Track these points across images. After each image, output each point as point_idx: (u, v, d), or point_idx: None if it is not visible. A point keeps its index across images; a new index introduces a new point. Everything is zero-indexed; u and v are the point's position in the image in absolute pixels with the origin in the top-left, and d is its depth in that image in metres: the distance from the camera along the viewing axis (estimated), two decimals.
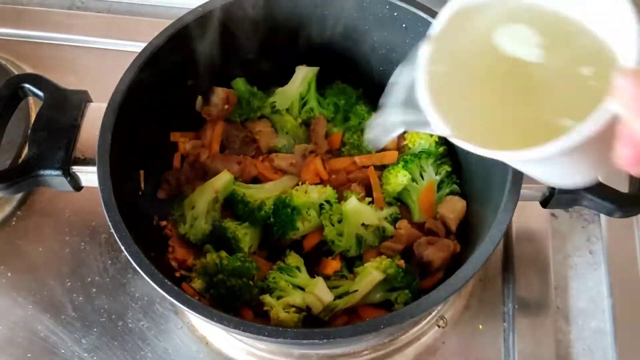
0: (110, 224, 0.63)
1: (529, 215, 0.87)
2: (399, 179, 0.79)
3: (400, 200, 0.82)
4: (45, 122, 0.73)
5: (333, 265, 0.77)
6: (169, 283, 0.61)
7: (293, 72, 0.86)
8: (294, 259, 0.76)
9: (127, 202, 0.66)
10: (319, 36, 0.82)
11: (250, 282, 0.73)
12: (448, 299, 0.66)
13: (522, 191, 0.64)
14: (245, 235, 0.76)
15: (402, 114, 0.53)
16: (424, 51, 0.48)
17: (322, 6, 0.79)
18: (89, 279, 0.85)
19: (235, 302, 0.72)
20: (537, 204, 0.73)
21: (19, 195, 0.90)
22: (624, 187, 0.70)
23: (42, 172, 0.70)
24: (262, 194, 0.79)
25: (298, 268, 0.75)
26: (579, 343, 0.82)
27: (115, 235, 0.62)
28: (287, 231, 0.76)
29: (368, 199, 0.79)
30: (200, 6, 0.75)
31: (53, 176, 0.71)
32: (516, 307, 0.82)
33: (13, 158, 0.87)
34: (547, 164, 0.41)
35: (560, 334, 0.82)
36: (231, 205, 0.79)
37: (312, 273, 0.76)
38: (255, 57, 0.82)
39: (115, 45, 1.03)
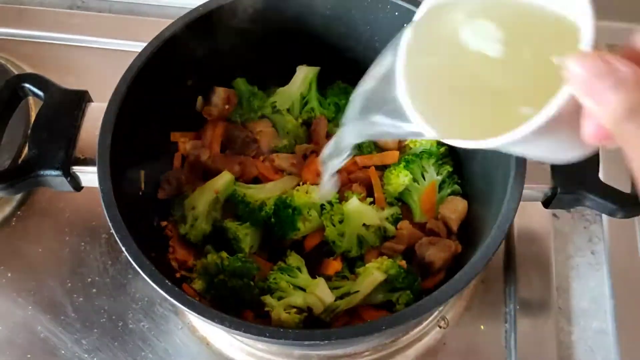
0: (110, 224, 0.63)
1: (530, 216, 0.86)
2: (400, 179, 0.79)
3: (401, 201, 0.82)
4: (45, 122, 0.72)
5: (334, 265, 0.76)
6: (169, 284, 0.60)
7: (294, 72, 0.86)
8: (295, 260, 0.75)
9: (128, 202, 0.66)
10: (320, 36, 0.82)
11: (251, 283, 0.73)
12: (450, 300, 0.66)
13: (524, 191, 0.64)
14: (246, 235, 0.76)
15: (362, 125, 0.55)
16: (403, 44, 0.50)
17: (323, 5, 0.79)
18: (89, 280, 0.85)
19: (236, 302, 0.72)
20: (539, 204, 0.73)
21: (18, 196, 0.90)
22: (626, 188, 0.70)
23: (42, 172, 0.70)
24: (263, 194, 0.79)
25: (299, 268, 0.74)
26: (581, 344, 0.82)
27: (115, 236, 0.62)
28: (288, 231, 0.76)
29: (369, 199, 0.79)
30: (200, 6, 0.74)
31: (53, 176, 0.70)
32: (518, 307, 0.81)
33: (13, 158, 0.87)
34: (527, 145, 0.43)
35: (562, 334, 0.82)
36: (232, 206, 0.79)
37: (313, 274, 0.75)
38: (256, 57, 0.82)
39: (116, 45, 1.03)
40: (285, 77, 0.86)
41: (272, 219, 0.76)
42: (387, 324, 0.58)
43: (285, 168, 0.83)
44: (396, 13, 0.75)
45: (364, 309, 0.73)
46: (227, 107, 0.84)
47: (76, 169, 0.71)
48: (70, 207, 0.89)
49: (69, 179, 0.71)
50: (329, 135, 0.85)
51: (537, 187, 0.70)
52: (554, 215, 0.89)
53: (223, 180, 0.78)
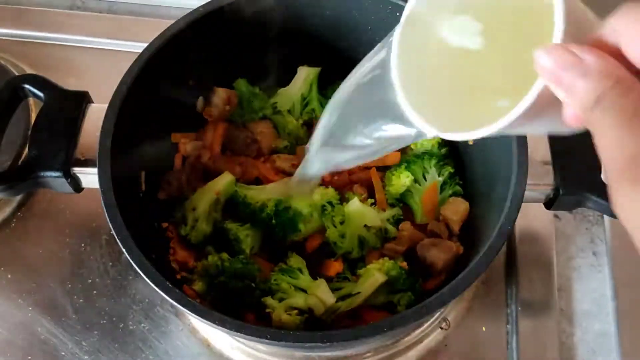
0: (111, 225, 0.62)
1: (532, 217, 0.86)
2: (401, 180, 0.79)
3: (402, 202, 0.81)
4: (45, 123, 0.72)
5: (335, 267, 0.76)
6: (170, 285, 0.60)
7: (294, 72, 0.86)
8: (296, 261, 0.75)
9: (128, 203, 0.65)
10: (321, 36, 0.82)
11: (252, 284, 0.73)
12: (451, 302, 0.65)
13: (526, 193, 0.64)
14: (246, 236, 0.76)
15: (328, 154, 0.56)
16: (395, 42, 0.51)
17: (324, 6, 0.79)
18: (90, 281, 0.84)
19: (237, 304, 0.72)
20: (541, 205, 0.73)
21: (19, 197, 0.90)
22: None
23: (42, 173, 0.70)
24: (264, 195, 0.78)
25: (300, 270, 0.74)
26: (583, 345, 0.81)
27: (116, 237, 0.62)
28: (288, 233, 0.76)
29: (370, 200, 0.79)
30: (201, 6, 0.74)
31: (53, 177, 0.70)
32: (519, 309, 0.81)
33: (13, 159, 0.86)
34: (520, 128, 0.44)
35: (564, 336, 0.82)
36: (232, 207, 0.79)
37: (314, 275, 0.75)
38: (257, 58, 0.82)
39: (116, 46, 1.03)
40: (286, 78, 0.86)
41: (273, 220, 0.76)
42: (388, 325, 0.58)
43: (286, 169, 0.82)
44: (397, 14, 0.75)
45: (365, 311, 0.73)
46: (227, 107, 0.83)
47: (77, 170, 0.71)
48: (71, 208, 0.89)
49: (69, 180, 0.71)
50: None
51: (539, 189, 0.70)
52: (556, 216, 0.89)
53: (224, 181, 0.78)
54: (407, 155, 0.82)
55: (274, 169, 0.83)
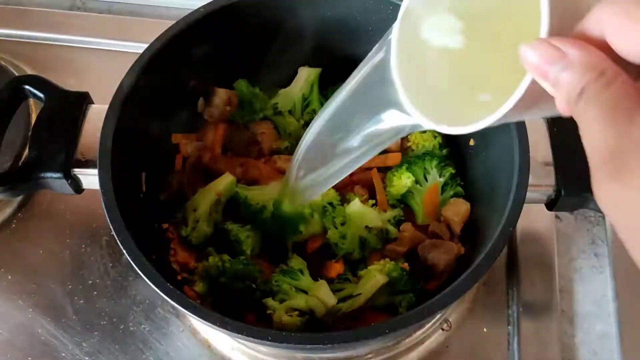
0: (111, 226, 0.62)
1: (533, 218, 0.86)
2: (402, 181, 0.79)
3: (403, 203, 0.81)
4: (46, 124, 0.72)
5: (336, 268, 0.76)
6: (170, 286, 0.60)
7: (295, 73, 0.86)
8: (297, 262, 0.75)
9: (128, 204, 0.65)
10: (322, 37, 0.82)
11: (253, 285, 0.73)
12: (453, 303, 0.65)
13: (528, 194, 0.64)
14: (247, 237, 0.75)
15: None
16: (394, 41, 0.52)
17: (325, 7, 0.79)
18: (90, 282, 0.84)
19: (238, 305, 0.72)
20: (542, 206, 0.73)
21: (19, 198, 0.89)
22: None
23: (42, 174, 0.70)
24: (265, 196, 0.78)
25: (301, 271, 0.74)
26: (584, 347, 0.81)
27: (116, 238, 0.62)
28: (289, 234, 0.76)
29: (371, 201, 0.79)
30: (202, 7, 0.74)
31: (54, 178, 0.70)
32: (521, 310, 0.81)
33: (13, 160, 0.86)
34: (517, 117, 0.44)
35: (566, 337, 0.81)
36: (233, 208, 0.78)
37: (315, 276, 0.75)
38: (258, 58, 0.82)
39: (117, 46, 1.02)
40: (287, 79, 0.86)
41: (274, 221, 0.76)
42: (389, 327, 0.58)
43: (287, 170, 0.82)
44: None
45: (367, 312, 0.73)
46: (228, 108, 0.83)
47: (77, 171, 0.70)
48: (71, 209, 0.89)
49: (69, 181, 0.70)
50: None
51: (540, 190, 0.70)
52: (557, 217, 0.89)
53: (224, 181, 0.78)
54: (408, 156, 0.81)
55: (274, 169, 0.83)
